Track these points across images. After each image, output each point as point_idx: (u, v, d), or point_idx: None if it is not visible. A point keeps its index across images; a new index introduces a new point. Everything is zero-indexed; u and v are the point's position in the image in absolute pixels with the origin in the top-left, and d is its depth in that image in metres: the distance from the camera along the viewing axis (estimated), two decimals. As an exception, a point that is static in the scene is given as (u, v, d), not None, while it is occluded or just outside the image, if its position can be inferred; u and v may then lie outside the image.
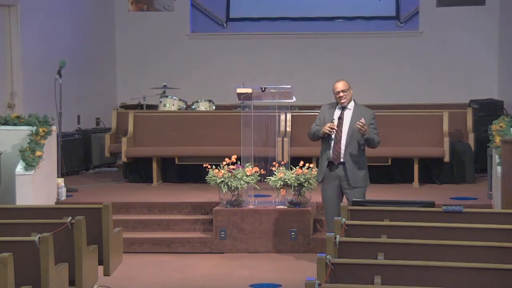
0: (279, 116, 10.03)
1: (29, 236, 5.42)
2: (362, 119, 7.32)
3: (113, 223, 6.62)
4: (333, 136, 7.44)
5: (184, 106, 11.65)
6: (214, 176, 8.47)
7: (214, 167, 8.56)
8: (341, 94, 7.47)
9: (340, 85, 7.51)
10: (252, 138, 8.87)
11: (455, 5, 13.43)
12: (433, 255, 4.80)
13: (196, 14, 14.15)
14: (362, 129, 7.27)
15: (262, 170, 8.67)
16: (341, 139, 7.45)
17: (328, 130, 7.40)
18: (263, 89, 8.75)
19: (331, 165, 7.50)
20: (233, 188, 8.47)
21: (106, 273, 6.48)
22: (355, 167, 7.46)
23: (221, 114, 11.03)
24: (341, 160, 7.45)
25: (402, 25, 13.86)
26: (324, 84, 13.38)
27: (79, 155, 11.98)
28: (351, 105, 7.56)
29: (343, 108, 7.53)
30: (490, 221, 5.78)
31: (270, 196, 8.91)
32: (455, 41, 13.40)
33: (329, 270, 4.43)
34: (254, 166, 8.64)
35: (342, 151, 7.44)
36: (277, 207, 8.63)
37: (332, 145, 7.46)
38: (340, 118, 7.50)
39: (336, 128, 7.44)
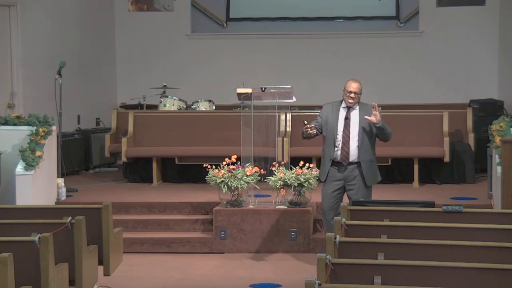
0: (279, 116, 10.04)
1: (29, 236, 5.42)
2: (374, 103, 7.23)
3: (113, 223, 6.62)
4: (339, 137, 7.39)
5: (184, 106, 11.65)
6: (214, 176, 8.47)
7: (214, 167, 8.56)
8: (353, 95, 7.37)
9: (356, 86, 7.39)
10: (252, 138, 8.87)
11: (455, 5, 13.43)
12: (433, 255, 4.80)
13: (196, 14, 14.15)
14: (375, 119, 7.20)
15: (262, 170, 8.66)
16: (349, 140, 7.38)
17: (308, 132, 7.38)
18: (263, 89, 8.74)
19: (338, 165, 7.44)
20: (233, 188, 8.47)
21: (106, 273, 6.48)
22: (370, 166, 7.41)
23: (221, 114, 11.03)
24: (350, 160, 7.39)
25: (402, 25, 13.86)
26: (324, 84, 13.47)
27: (79, 155, 11.98)
28: (356, 105, 7.47)
29: (349, 108, 7.46)
30: (490, 221, 5.78)
31: (270, 196, 8.90)
32: (455, 41, 13.40)
33: (329, 270, 4.43)
34: (254, 166, 8.64)
35: (353, 151, 7.37)
36: (277, 207, 8.63)
37: (339, 146, 7.40)
38: (347, 119, 7.43)
39: (309, 126, 7.37)
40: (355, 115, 7.44)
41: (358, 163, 7.39)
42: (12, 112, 10.41)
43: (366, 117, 7.28)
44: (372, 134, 7.42)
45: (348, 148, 7.38)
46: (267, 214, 8.56)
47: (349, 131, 7.40)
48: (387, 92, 13.35)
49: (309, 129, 7.39)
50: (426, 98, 13.09)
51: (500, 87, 13.12)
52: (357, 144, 7.38)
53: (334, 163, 7.45)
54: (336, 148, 7.41)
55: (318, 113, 7.74)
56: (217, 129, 10.69)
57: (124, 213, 9.07)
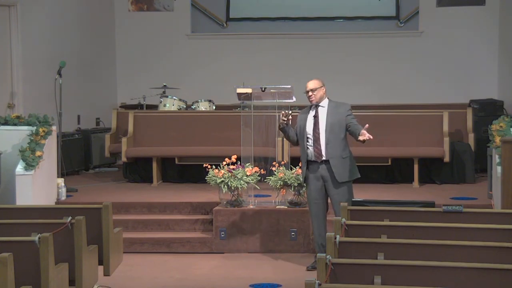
0: (279, 116, 10.02)
1: (29, 236, 5.42)
2: (366, 133, 7.26)
3: (113, 223, 6.61)
4: (310, 136, 7.44)
5: (184, 106, 11.65)
6: (214, 176, 8.47)
7: (214, 167, 8.56)
8: (310, 93, 7.50)
9: (310, 84, 7.54)
10: (252, 138, 8.87)
11: (455, 5, 13.44)
12: (433, 255, 4.80)
13: (196, 14, 14.15)
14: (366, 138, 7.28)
15: (262, 170, 8.66)
16: (319, 137, 7.44)
17: (282, 120, 7.50)
18: (263, 89, 8.74)
19: (313, 164, 7.49)
20: (233, 188, 8.47)
21: (106, 273, 6.48)
22: (339, 162, 7.42)
23: (221, 114, 11.03)
24: (323, 158, 7.44)
25: (402, 25, 13.86)
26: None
27: (79, 155, 11.99)
28: (325, 102, 7.55)
29: (317, 107, 7.54)
30: (490, 221, 5.78)
31: (270, 196, 8.90)
32: (455, 41, 13.40)
33: (329, 270, 4.43)
34: (254, 166, 8.64)
35: (323, 149, 7.43)
36: (277, 207, 8.63)
37: (312, 144, 7.46)
38: (316, 117, 7.51)
39: (287, 118, 7.50)
40: (323, 112, 7.53)
41: (327, 161, 7.45)
42: (12, 112, 10.41)
43: (364, 132, 7.26)
44: (342, 131, 7.45)
45: (320, 145, 7.44)
46: (267, 214, 8.56)
47: (319, 128, 7.47)
48: (387, 92, 13.37)
49: (284, 118, 7.49)
50: (426, 98, 13.09)
51: (500, 87, 13.12)
52: (325, 141, 7.43)
53: (310, 162, 7.50)
54: (308, 149, 7.48)
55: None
56: (217, 129, 10.69)
57: (124, 213, 9.06)
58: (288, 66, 13.54)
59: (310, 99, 7.53)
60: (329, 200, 7.58)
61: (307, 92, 7.52)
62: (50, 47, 11.82)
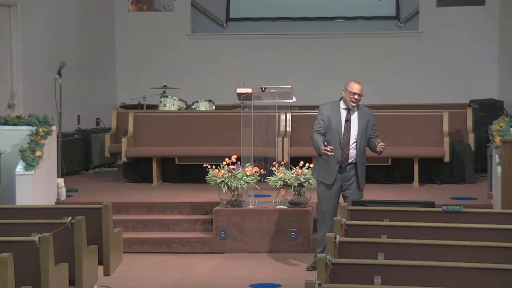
0: (279, 116, 10.04)
1: (29, 236, 5.42)
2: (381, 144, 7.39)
3: (113, 223, 6.62)
4: (341, 140, 7.40)
5: (184, 106, 11.65)
6: (214, 176, 8.47)
7: (214, 167, 8.56)
8: (357, 97, 7.38)
9: (360, 88, 7.39)
10: (252, 138, 8.87)
11: (455, 5, 13.43)
12: (433, 255, 4.80)
13: (196, 14, 14.15)
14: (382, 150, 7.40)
15: (262, 170, 8.66)
16: (349, 142, 7.42)
17: (326, 153, 7.21)
18: (263, 89, 8.75)
19: (339, 167, 7.47)
20: (233, 188, 8.47)
21: (106, 273, 6.49)
22: (362, 169, 7.50)
23: (221, 114, 11.03)
24: (349, 161, 7.42)
25: (402, 25, 13.86)
26: (324, 84, 13.47)
27: (79, 155, 11.98)
28: (356, 107, 7.51)
29: (349, 111, 7.47)
30: (490, 221, 5.78)
31: (270, 196, 8.91)
32: (455, 41, 13.40)
33: (329, 270, 4.43)
34: (254, 166, 8.64)
35: (352, 154, 7.41)
36: (277, 207, 8.63)
37: (340, 148, 7.42)
38: (348, 121, 7.44)
39: (332, 153, 7.25)
40: (355, 117, 7.47)
41: (354, 164, 7.45)
42: (12, 112, 10.41)
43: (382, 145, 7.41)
44: (366, 139, 7.50)
45: (348, 150, 7.43)
46: (267, 214, 8.56)
47: (349, 133, 7.43)
48: (387, 92, 13.36)
49: (328, 151, 7.22)
50: (426, 98, 13.09)
51: (500, 87, 13.12)
52: (355, 147, 7.43)
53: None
54: (339, 150, 7.40)
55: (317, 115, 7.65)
56: (217, 129, 10.69)
57: (124, 213, 9.07)
58: (288, 66, 13.53)
59: (353, 103, 7.39)
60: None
61: (355, 94, 7.35)
62: (50, 47, 11.82)
